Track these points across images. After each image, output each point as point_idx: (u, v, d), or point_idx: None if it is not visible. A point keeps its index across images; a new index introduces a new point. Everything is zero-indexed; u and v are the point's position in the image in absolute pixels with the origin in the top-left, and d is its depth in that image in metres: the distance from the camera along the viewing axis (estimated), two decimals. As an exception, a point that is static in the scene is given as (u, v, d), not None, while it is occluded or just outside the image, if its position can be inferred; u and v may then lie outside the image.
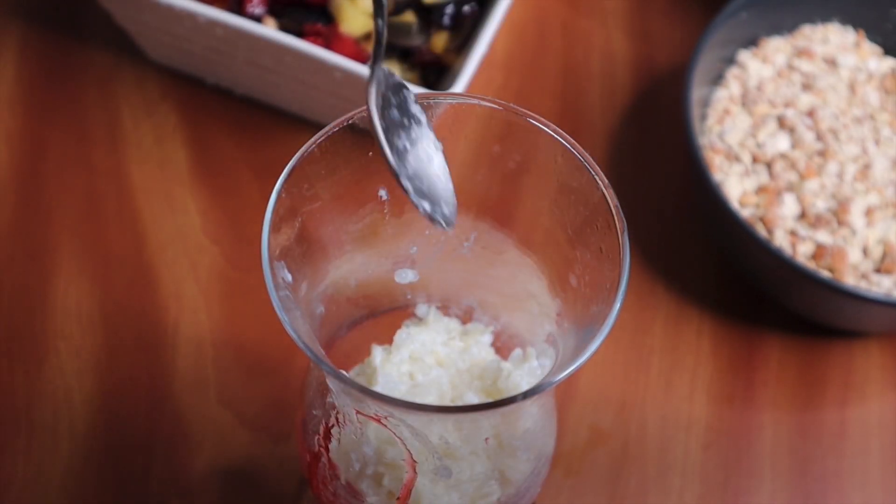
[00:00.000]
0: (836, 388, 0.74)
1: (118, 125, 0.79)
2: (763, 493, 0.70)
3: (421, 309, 0.57)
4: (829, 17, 0.81)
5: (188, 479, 0.68)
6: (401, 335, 0.55)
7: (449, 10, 0.76)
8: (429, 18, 0.76)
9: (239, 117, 0.80)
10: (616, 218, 0.49)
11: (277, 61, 0.73)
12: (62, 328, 0.72)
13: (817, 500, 0.70)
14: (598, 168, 0.49)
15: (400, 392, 0.53)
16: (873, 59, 0.80)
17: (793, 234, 0.73)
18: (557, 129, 0.50)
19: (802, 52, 0.80)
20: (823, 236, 0.73)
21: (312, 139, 0.50)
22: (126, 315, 0.73)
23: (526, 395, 0.46)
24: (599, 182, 0.49)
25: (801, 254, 0.72)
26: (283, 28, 0.75)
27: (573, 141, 0.50)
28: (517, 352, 0.56)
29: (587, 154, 0.50)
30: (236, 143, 0.79)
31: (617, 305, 0.47)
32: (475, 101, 0.51)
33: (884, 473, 0.71)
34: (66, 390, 0.70)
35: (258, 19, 0.75)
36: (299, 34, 0.74)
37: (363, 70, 0.71)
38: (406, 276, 0.56)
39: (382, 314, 0.58)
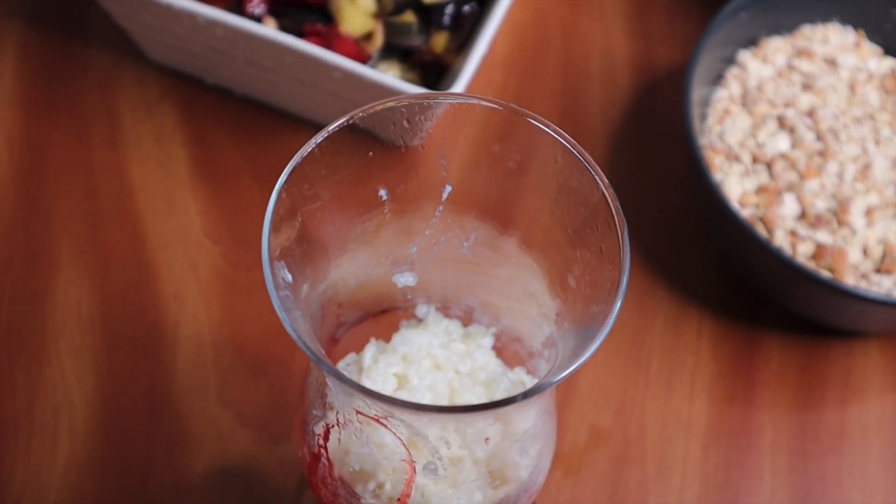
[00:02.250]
0: (835, 388, 0.74)
1: (118, 125, 0.79)
2: (763, 492, 0.70)
3: (421, 310, 0.57)
4: (829, 17, 0.81)
5: (188, 479, 0.68)
6: (397, 339, 0.55)
7: (449, 10, 0.76)
8: (429, 18, 0.76)
9: (239, 117, 0.80)
10: (616, 218, 0.49)
11: (277, 61, 0.73)
12: (62, 328, 0.72)
13: (817, 500, 0.70)
14: (597, 168, 0.49)
15: (389, 392, 0.53)
16: (873, 59, 0.80)
17: (793, 234, 0.73)
18: (557, 128, 0.50)
19: (802, 52, 0.80)
20: (823, 236, 0.73)
21: (312, 139, 0.50)
22: (126, 315, 0.73)
23: (525, 395, 0.46)
24: (599, 182, 0.49)
25: (801, 254, 0.72)
26: (283, 28, 0.75)
27: (573, 141, 0.50)
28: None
29: (587, 154, 0.50)
30: (236, 143, 0.79)
31: (617, 305, 0.47)
32: (475, 101, 0.51)
33: (884, 473, 0.71)
34: (66, 390, 0.70)
35: (258, 19, 0.75)
36: (299, 34, 0.74)
37: (363, 70, 0.71)
38: (405, 280, 0.56)
39: (382, 314, 0.58)
